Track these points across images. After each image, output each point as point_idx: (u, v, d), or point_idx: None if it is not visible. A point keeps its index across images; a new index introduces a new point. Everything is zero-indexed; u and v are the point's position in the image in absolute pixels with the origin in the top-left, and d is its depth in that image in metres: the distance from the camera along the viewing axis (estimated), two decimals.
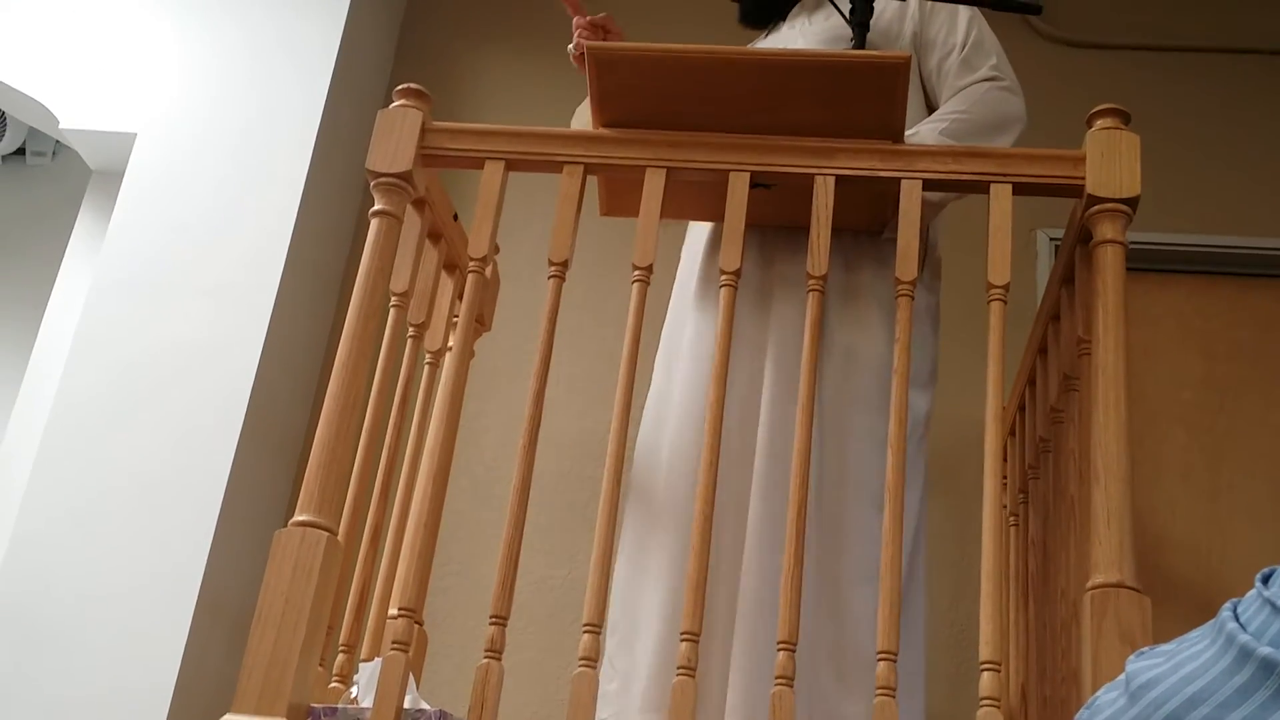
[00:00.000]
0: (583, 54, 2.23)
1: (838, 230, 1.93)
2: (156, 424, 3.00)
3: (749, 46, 2.42)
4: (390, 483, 2.14)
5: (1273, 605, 0.63)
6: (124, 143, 3.38)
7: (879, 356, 2.06)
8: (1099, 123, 1.85)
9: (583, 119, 2.30)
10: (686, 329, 2.21)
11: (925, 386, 2.13)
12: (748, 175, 1.95)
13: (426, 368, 2.29)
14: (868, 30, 2.10)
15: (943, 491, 2.87)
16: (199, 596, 2.81)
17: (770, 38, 2.46)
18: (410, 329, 2.18)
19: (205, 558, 2.84)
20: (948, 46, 2.28)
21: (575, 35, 2.32)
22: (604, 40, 2.30)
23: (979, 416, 1.80)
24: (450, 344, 2.23)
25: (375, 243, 1.92)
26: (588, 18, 2.30)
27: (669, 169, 1.97)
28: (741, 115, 1.97)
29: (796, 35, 2.38)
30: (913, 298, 1.86)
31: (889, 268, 1.94)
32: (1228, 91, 3.61)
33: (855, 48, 2.09)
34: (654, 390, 2.24)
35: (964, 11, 2.31)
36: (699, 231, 2.32)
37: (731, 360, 1.90)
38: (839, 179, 1.93)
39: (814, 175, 1.93)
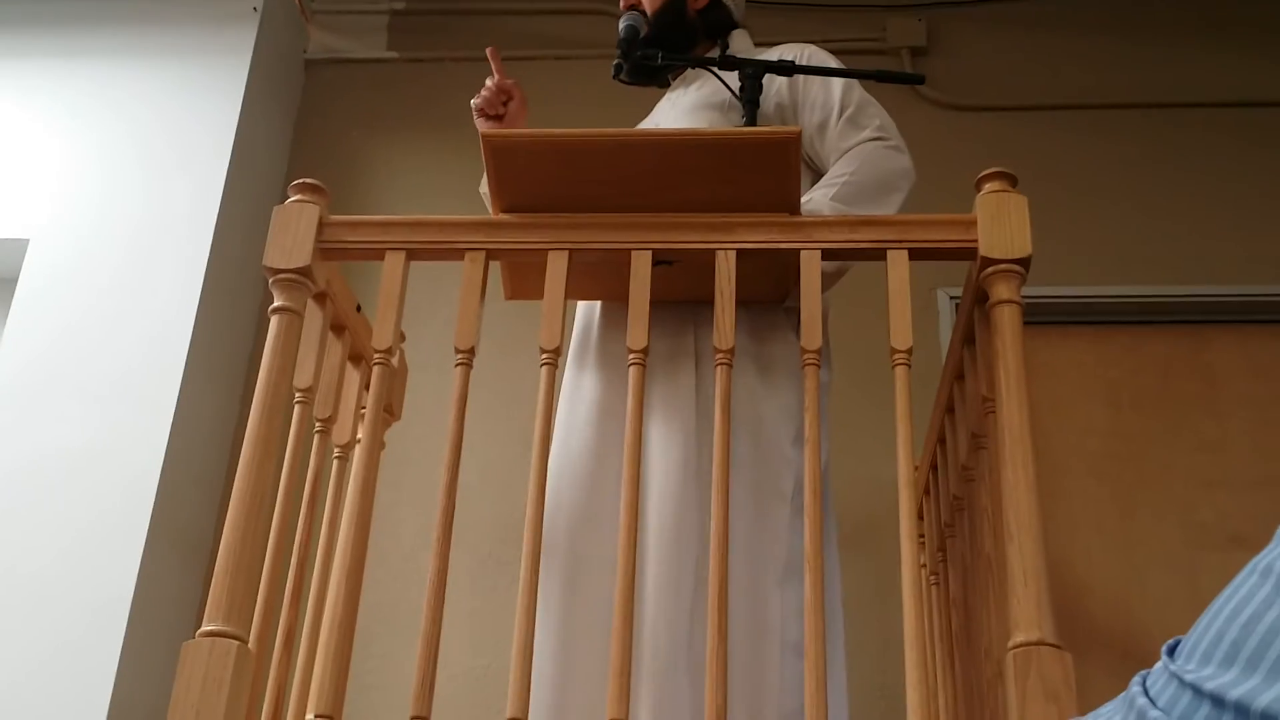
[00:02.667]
0: (482, 111, 2.33)
1: (742, 302, 1.95)
2: (58, 530, 2.93)
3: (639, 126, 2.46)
4: (302, 583, 2.09)
5: (1179, 679, 0.63)
6: (16, 249, 3.33)
7: (753, 416, 2.07)
8: (987, 186, 1.89)
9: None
10: (581, 396, 2.21)
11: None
12: (649, 254, 1.95)
13: (335, 462, 2.26)
14: (758, 107, 2.14)
15: (862, 554, 2.89)
16: (108, 713, 2.72)
17: (651, 114, 2.51)
18: (317, 424, 2.15)
19: (114, 670, 2.75)
20: (827, 109, 2.31)
21: (482, 91, 2.35)
22: (505, 104, 2.33)
23: (893, 477, 1.81)
24: (359, 437, 2.19)
25: (276, 340, 1.89)
26: (497, 81, 2.31)
27: (571, 250, 1.98)
28: (640, 194, 1.98)
29: (669, 108, 2.42)
30: (819, 365, 1.88)
31: (761, 335, 1.97)
32: (1110, 145, 3.73)
33: (746, 124, 2.12)
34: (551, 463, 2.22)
35: (837, 80, 2.35)
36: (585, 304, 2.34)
37: (612, 432, 1.94)
38: (740, 253, 1.95)
39: (715, 250, 1.95)
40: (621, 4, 2.49)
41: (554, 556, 2.08)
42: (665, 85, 2.54)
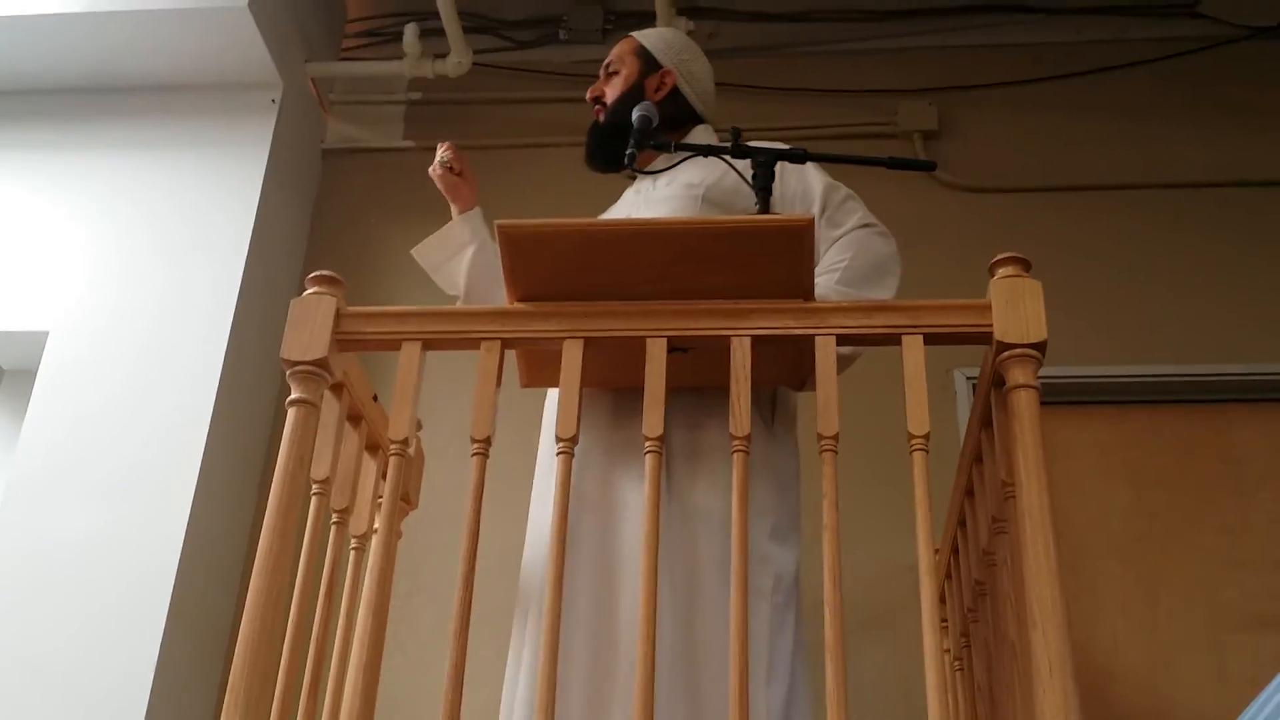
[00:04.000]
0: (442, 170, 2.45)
1: (679, 390, 1.96)
2: (76, 621, 2.92)
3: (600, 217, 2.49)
4: (320, 675, 2.07)
5: None
6: (36, 341, 3.35)
7: (726, 513, 2.04)
8: (1001, 271, 1.90)
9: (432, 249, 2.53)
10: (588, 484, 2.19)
11: (787, 541, 2.13)
12: (664, 340, 1.96)
13: (352, 552, 2.25)
14: (770, 194, 2.15)
15: (884, 641, 2.85)
16: None
17: (619, 202, 2.56)
18: (334, 515, 2.14)
19: None
20: (808, 199, 2.37)
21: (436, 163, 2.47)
22: (457, 177, 2.46)
23: (912, 562, 1.79)
24: (375, 526, 2.18)
25: (293, 432, 1.90)
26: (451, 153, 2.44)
27: (586, 339, 1.98)
28: (654, 282, 1.99)
29: (641, 200, 2.47)
30: (835, 452, 1.87)
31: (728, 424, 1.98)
32: (1125, 224, 3.74)
33: (760, 211, 2.14)
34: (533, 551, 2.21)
35: (811, 167, 2.40)
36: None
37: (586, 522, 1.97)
38: (755, 339, 1.95)
39: (730, 336, 1.95)
40: (592, 91, 2.61)
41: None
42: (629, 174, 2.58)
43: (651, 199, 2.45)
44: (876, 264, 2.31)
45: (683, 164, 2.45)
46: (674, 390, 1.95)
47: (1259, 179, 3.77)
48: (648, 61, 2.59)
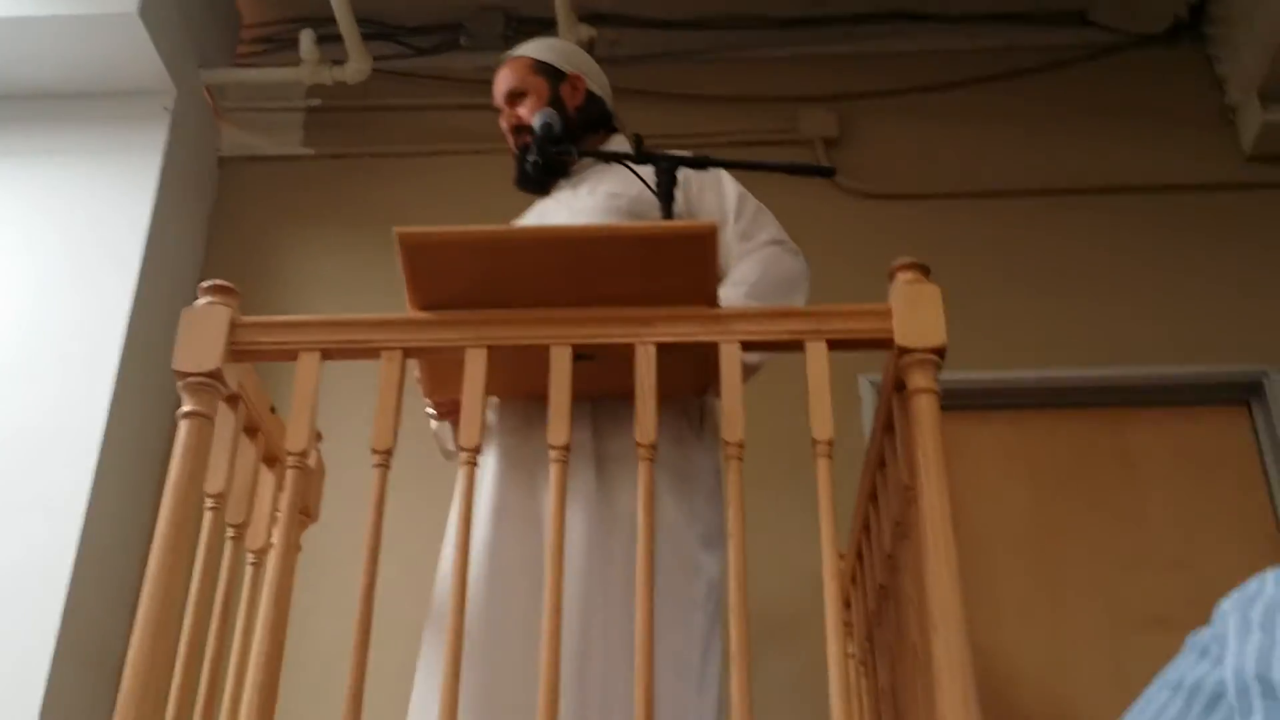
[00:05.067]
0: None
1: (607, 398, 1.94)
2: None
3: (511, 224, 2.46)
4: (215, 697, 2.01)
5: None
6: None
7: (663, 521, 2.04)
8: (900, 276, 1.91)
9: None
10: (483, 497, 2.17)
11: (717, 548, 2.13)
12: (569, 348, 1.94)
13: (250, 568, 2.19)
14: (673, 200, 2.15)
15: (790, 646, 2.86)
16: None
17: (537, 210, 2.52)
18: (230, 529, 2.09)
19: None
20: (722, 212, 2.38)
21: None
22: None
23: (817, 568, 1.79)
24: (273, 540, 2.13)
25: (185, 445, 1.84)
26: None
27: (489, 348, 1.96)
28: (559, 290, 1.97)
29: (564, 211, 2.44)
30: (741, 459, 1.86)
31: (664, 436, 1.96)
32: (1024, 231, 3.81)
33: (663, 218, 2.13)
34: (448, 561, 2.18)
35: (727, 178, 2.40)
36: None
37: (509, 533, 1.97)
38: (660, 346, 1.94)
39: (634, 344, 1.94)
40: (506, 117, 2.56)
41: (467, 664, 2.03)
42: (550, 186, 2.55)
43: (574, 207, 2.43)
44: (785, 280, 2.32)
45: (604, 172, 2.43)
46: (603, 396, 1.92)
47: (1150, 183, 3.87)
48: (551, 73, 2.58)
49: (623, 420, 2.12)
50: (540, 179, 2.51)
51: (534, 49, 2.65)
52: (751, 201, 2.43)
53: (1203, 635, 0.91)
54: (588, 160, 2.49)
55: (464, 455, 1.87)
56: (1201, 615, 1.00)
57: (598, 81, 2.62)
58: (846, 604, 2.61)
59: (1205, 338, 3.58)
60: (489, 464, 2.23)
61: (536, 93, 2.55)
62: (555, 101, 2.53)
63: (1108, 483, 3.40)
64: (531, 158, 2.36)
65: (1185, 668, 0.88)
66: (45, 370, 3.22)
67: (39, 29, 3.55)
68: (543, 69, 2.58)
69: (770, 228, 2.40)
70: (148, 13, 3.55)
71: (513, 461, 2.18)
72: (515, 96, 2.57)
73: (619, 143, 2.57)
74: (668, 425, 2.09)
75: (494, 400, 2.28)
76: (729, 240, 2.34)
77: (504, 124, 2.60)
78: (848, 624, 2.61)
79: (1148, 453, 3.44)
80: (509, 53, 2.68)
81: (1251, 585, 0.94)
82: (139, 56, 3.62)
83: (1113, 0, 4.17)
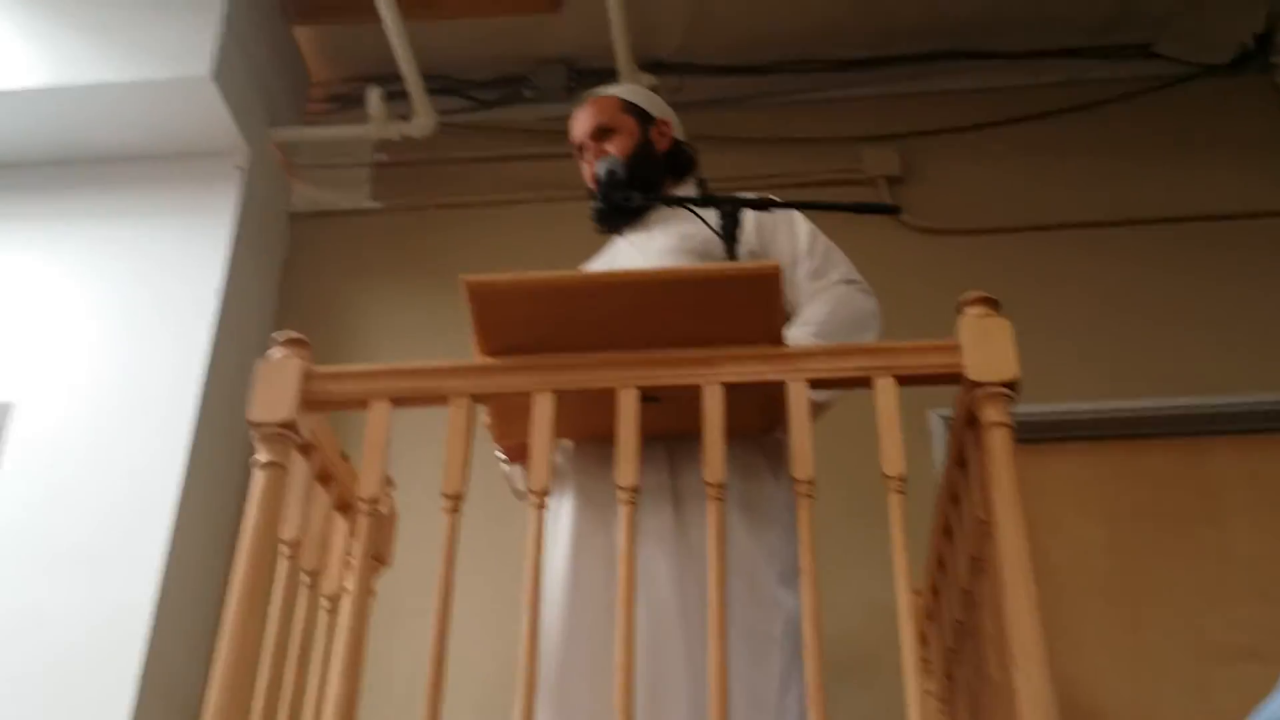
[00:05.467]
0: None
1: (683, 436, 1.94)
2: (46, 694, 2.86)
3: (581, 268, 2.47)
4: None
5: None
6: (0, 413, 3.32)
7: (742, 557, 2.04)
8: (969, 310, 1.90)
9: None
10: (554, 535, 2.17)
11: (795, 585, 2.11)
12: (635, 390, 1.95)
13: (325, 614, 2.21)
14: (736, 242, 2.15)
15: (864, 684, 2.82)
16: None
17: (609, 253, 2.52)
18: (304, 576, 2.11)
19: None
20: (793, 253, 2.38)
21: None
22: None
23: (893, 604, 1.78)
24: (347, 586, 2.15)
25: (260, 494, 1.87)
26: None
27: (557, 392, 1.97)
28: (624, 333, 1.98)
29: (636, 253, 2.44)
30: (813, 497, 1.85)
31: (741, 473, 1.96)
32: (1093, 262, 3.77)
33: (727, 259, 2.14)
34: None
35: (799, 218, 2.40)
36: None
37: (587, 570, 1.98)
38: (727, 386, 1.94)
39: (701, 384, 1.94)
40: (592, 152, 2.54)
41: (550, 702, 2.03)
42: (626, 229, 2.55)
43: (648, 249, 2.43)
44: (855, 320, 2.31)
45: (677, 214, 2.45)
46: (685, 434, 1.91)
47: (1218, 212, 3.81)
48: (640, 115, 2.59)
49: (699, 458, 2.11)
50: (609, 221, 2.51)
51: (622, 91, 2.67)
52: (823, 240, 2.42)
53: None
54: (657, 206, 2.50)
55: (533, 499, 1.88)
56: None
57: (680, 129, 2.64)
58: (924, 641, 2.57)
59: (1277, 364, 3.51)
60: (566, 504, 2.23)
61: (627, 131, 2.55)
62: (645, 142, 2.54)
63: (1187, 513, 3.33)
64: (595, 204, 2.38)
65: None
66: (125, 424, 3.28)
67: (116, 95, 3.65)
68: (632, 109, 2.59)
69: (841, 266, 2.39)
70: (221, 76, 3.64)
71: (590, 501, 2.18)
72: (603, 133, 2.55)
73: (692, 188, 2.58)
74: (742, 462, 2.09)
75: (568, 441, 2.29)
76: (800, 279, 2.34)
77: (586, 161, 2.57)
78: (926, 660, 2.57)
79: (1227, 482, 3.37)
80: (593, 92, 2.68)
81: None
82: (212, 118, 3.71)
83: (1178, 31, 4.13)
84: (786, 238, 2.40)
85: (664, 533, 2.08)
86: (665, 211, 2.50)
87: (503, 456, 2.36)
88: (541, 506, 1.88)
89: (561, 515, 2.22)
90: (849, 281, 2.36)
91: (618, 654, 1.74)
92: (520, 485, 2.37)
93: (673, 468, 2.15)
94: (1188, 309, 3.65)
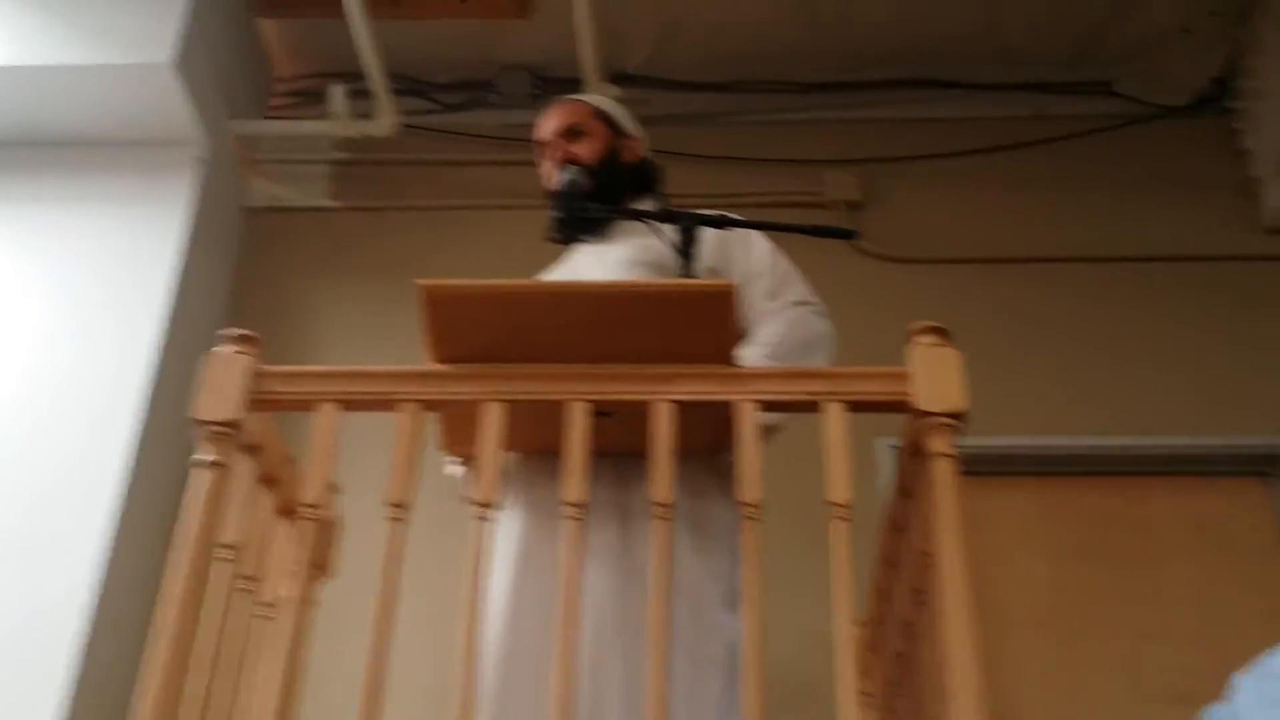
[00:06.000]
0: None
1: (631, 454, 1.94)
2: None
3: (540, 276, 2.46)
4: None
5: None
6: None
7: (687, 578, 2.03)
8: (920, 340, 1.90)
9: None
10: (509, 547, 2.16)
11: (738, 609, 2.10)
12: (587, 405, 1.94)
13: (263, 622, 2.17)
14: (693, 259, 2.15)
15: (802, 713, 2.82)
16: None
17: (569, 262, 2.51)
18: (243, 582, 2.07)
19: None
20: (750, 271, 2.37)
21: None
22: None
23: (834, 634, 1.77)
24: (287, 594, 2.12)
25: (201, 495, 1.84)
26: None
27: (507, 402, 1.95)
28: (578, 345, 1.97)
29: (595, 263, 2.44)
30: (757, 520, 1.85)
31: (690, 492, 1.96)
32: (1046, 297, 3.80)
33: (683, 276, 2.13)
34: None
35: (758, 236, 2.40)
36: None
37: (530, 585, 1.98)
38: (677, 404, 1.93)
39: (652, 401, 1.93)
40: (558, 156, 2.53)
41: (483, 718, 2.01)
42: (585, 239, 2.55)
43: (607, 261, 2.43)
44: (808, 342, 2.32)
45: (636, 228, 2.44)
46: (626, 453, 1.91)
47: (1171, 253, 3.86)
48: (613, 127, 2.59)
49: (647, 476, 2.10)
50: (565, 231, 2.51)
51: (597, 100, 2.67)
52: (783, 261, 2.43)
53: (1220, 711, 0.90)
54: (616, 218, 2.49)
55: (477, 510, 1.86)
56: (1220, 689, 0.98)
57: (647, 148, 2.64)
58: (866, 672, 2.57)
59: (1224, 408, 3.55)
60: (516, 514, 2.22)
61: (597, 136, 2.55)
62: (613, 152, 2.54)
63: (1127, 552, 3.36)
64: (554, 215, 2.37)
65: None
66: (68, 416, 3.23)
67: (73, 77, 3.60)
68: (605, 119, 2.59)
69: (799, 287, 2.40)
70: (182, 64, 3.59)
71: (537, 515, 2.16)
72: (573, 133, 2.55)
73: (652, 204, 2.57)
74: (692, 481, 2.08)
75: (516, 454, 2.27)
76: (755, 298, 2.34)
77: (551, 157, 2.55)
78: (867, 694, 2.57)
79: (1167, 523, 3.40)
80: (570, 96, 2.69)
81: (1269, 661, 0.93)
82: (171, 107, 3.66)
83: (1138, 71, 4.19)
84: (743, 255, 2.40)
85: (609, 550, 2.07)
86: (625, 223, 2.50)
87: (452, 459, 2.34)
88: (485, 519, 1.86)
89: (507, 528, 2.20)
90: (804, 303, 2.37)
91: (555, 672, 1.72)
92: (467, 490, 2.36)
93: (620, 483, 2.13)
94: (1137, 348, 3.69)
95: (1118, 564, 3.34)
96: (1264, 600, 3.27)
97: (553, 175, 2.53)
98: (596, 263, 2.45)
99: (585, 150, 2.52)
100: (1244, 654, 1.10)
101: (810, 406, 1.92)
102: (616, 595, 2.04)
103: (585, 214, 2.37)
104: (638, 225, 2.45)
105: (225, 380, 1.92)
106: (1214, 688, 1.01)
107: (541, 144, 2.59)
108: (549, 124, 2.58)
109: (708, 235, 2.32)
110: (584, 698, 1.92)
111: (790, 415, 2.13)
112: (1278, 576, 3.32)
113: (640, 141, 2.63)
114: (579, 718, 1.87)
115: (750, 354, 2.19)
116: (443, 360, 2.02)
